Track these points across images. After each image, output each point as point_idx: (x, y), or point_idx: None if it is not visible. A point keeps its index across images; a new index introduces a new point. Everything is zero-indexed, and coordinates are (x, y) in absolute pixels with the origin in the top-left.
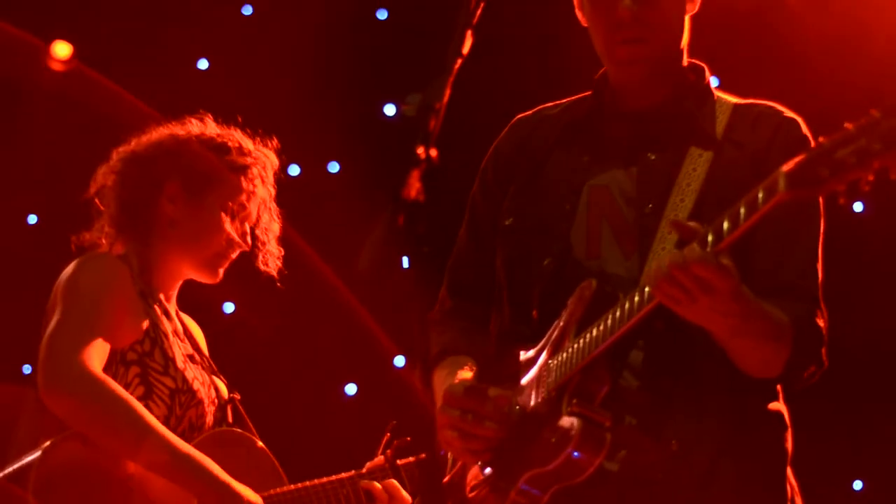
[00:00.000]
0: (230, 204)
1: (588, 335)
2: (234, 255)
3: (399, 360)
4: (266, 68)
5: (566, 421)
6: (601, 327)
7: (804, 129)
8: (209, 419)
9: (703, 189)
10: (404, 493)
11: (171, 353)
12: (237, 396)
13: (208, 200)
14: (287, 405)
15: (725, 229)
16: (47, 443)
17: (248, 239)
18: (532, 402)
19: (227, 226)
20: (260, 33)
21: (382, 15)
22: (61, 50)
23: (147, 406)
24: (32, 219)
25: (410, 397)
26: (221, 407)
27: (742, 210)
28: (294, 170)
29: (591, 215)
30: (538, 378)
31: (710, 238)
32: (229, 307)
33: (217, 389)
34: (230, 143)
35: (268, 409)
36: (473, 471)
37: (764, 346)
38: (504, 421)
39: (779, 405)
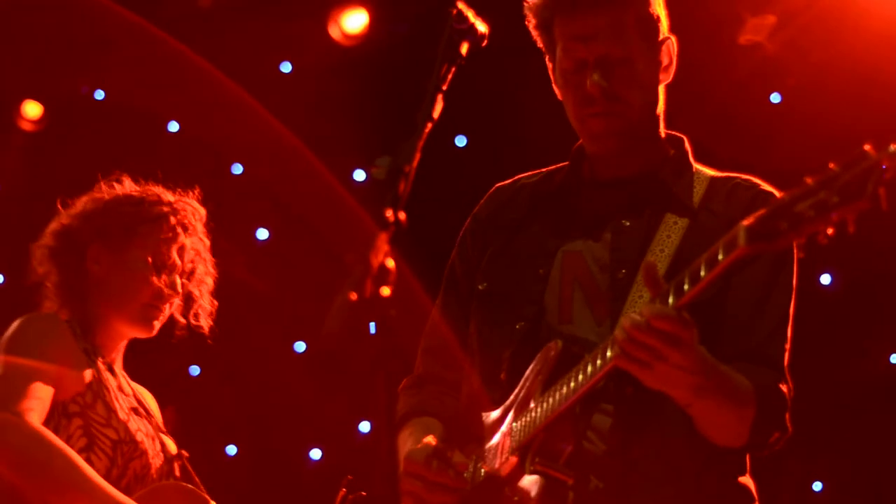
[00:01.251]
0: (150, 256)
1: (553, 394)
2: (165, 307)
3: (364, 426)
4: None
5: (528, 479)
6: (566, 387)
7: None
8: (154, 472)
9: (677, 255)
10: None
11: (112, 405)
12: (185, 454)
13: (130, 254)
14: (251, 469)
15: (686, 287)
16: None
17: (178, 288)
18: (496, 463)
19: (152, 278)
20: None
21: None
22: (31, 110)
23: (89, 458)
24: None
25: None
26: (168, 461)
27: (702, 266)
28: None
29: (563, 280)
30: (503, 438)
31: (670, 295)
32: (195, 370)
33: (164, 445)
34: (147, 197)
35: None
36: None
37: (728, 409)
38: (464, 487)
39: (747, 479)
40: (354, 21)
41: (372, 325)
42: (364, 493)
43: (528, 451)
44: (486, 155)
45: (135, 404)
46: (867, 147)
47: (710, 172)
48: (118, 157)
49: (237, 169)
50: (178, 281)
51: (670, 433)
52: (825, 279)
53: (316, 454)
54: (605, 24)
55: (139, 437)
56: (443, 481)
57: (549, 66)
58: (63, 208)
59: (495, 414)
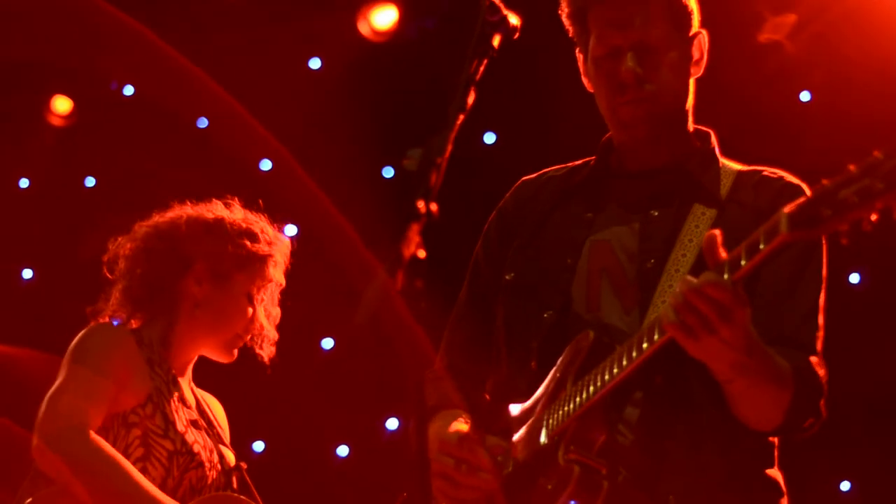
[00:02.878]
0: (253, 289)
1: (585, 385)
2: (248, 337)
3: (392, 423)
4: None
5: (563, 468)
6: (599, 377)
7: (808, 193)
8: (210, 483)
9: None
10: None
11: (171, 416)
12: (244, 465)
13: (234, 285)
14: (278, 466)
15: (742, 262)
16: (28, 500)
17: (268, 323)
18: (528, 452)
19: (251, 310)
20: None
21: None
22: (61, 105)
23: (145, 467)
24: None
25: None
26: (226, 473)
27: (743, 256)
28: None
29: (591, 270)
30: (533, 429)
31: (725, 271)
32: None
33: (223, 456)
34: (256, 230)
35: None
36: None
37: (765, 390)
38: (497, 471)
39: (775, 472)
40: (384, 17)
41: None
42: None
43: (561, 440)
44: (515, 152)
45: (195, 416)
46: None
47: (736, 166)
48: (147, 152)
49: (266, 165)
50: (264, 315)
51: (698, 425)
52: (854, 278)
53: (343, 451)
54: (640, 11)
55: (196, 448)
56: (476, 461)
57: (580, 57)
58: (157, 212)
59: (525, 404)
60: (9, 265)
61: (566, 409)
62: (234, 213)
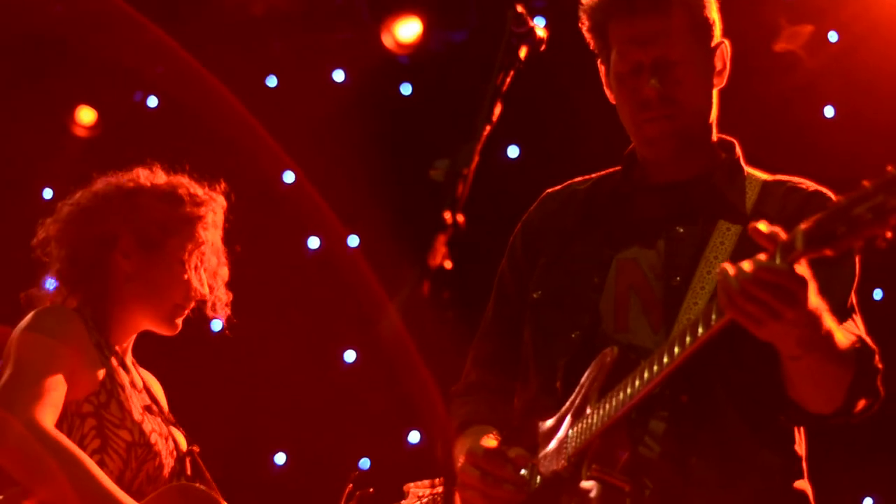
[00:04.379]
0: (184, 255)
1: (609, 400)
2: (192, 305)
3: (413, 436)
4: (288, 139)
5: (586, 485)
6: (622, 392)
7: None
8: (166, 473)
9: (731, 261)
10: None
11: (127, 405)
12: (196, 449)
13: (164, 253)
14: (299, 478)
15: (798, 245)
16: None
17: (206, 287)
18: (553, 469)
19: (186, 277)
20: (280, 105)
21: (407, 90)
22: (86, 115)
23: (102, 459)
24: None
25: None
26: (180, 459)
27: (798, 237)
28: (314, 242)
29: (619, 288)
30: (559, 444)
31: (777, 256)
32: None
33: (175, 441)
34: (182, 193)
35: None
36: None
37: (831, 366)
38: (523, 485)
39: (804, 484)
40: (408, 30)
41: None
42: (372, 490)
43: (585, 457)
44: (539, 164)
45: (148, 401)
46: None
47: (763, 176)
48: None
49: (289, 177)
50: (206, 280)
51: (725, 440)
52: (877, 294)
53: (365, 464)
54: (660, 27)
55: (153, 438)
56: (503, 474)
57: (602, 69)
58: (81, 190)
59: (550, 421)
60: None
61: (590, 425)
62: (157, 178)
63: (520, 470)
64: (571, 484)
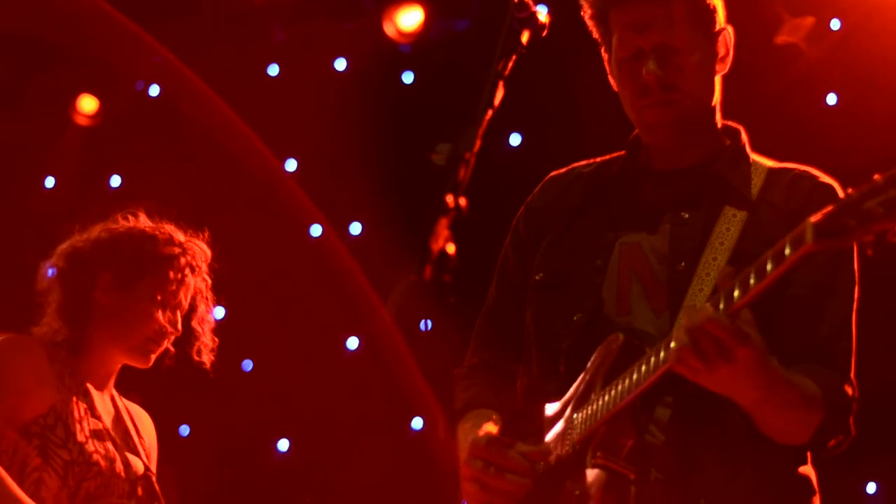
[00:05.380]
0: (159, 294)
1: (614, 388)
2: (164, 342)
3: (417, 422)
4: (289, 129)
5: (590, 473)
6: (628, 380)
7: (840, 193)
8: (116, 492)
9: (737, 248)
10: None
11: (73, 427)
12: (152, 473)
13: (138, 290)
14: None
15: (752, 283)
16: None
17: (179, 326)
18: (556, 456)
19: (158, 315)
20: (282, 93)
21: (408, 78)
22: (87, 104)
23: (41, 477)
24: None
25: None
26: (131, 481)
27: (769, 261)
28: (316, 230)
29: (621, 272)
30: (563, 432)
31: (736, 290)
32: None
33: (129, 465)
34: (160, 235)
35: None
36: None
37: (790, 415)
38: (526, 475)
39: (807, 469)
40: (410, 18)
41: (426, 323)
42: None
43: (589, 444)
44: (542, 150)
45: (101, 427)
46: None
47: (768, 163)
48: (172, 153)
49: (291, 166)
50: (180, 320)
51: (730, 425)
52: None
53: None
54: (660, 13)
55: (95, 458)
56: (507, 465)
57: (605, 56)
58: (78, 232)
59: (554, 407)
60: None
61: (595, 412)
62: (140, 222)
63: (523, 461)
64: (576, 471)
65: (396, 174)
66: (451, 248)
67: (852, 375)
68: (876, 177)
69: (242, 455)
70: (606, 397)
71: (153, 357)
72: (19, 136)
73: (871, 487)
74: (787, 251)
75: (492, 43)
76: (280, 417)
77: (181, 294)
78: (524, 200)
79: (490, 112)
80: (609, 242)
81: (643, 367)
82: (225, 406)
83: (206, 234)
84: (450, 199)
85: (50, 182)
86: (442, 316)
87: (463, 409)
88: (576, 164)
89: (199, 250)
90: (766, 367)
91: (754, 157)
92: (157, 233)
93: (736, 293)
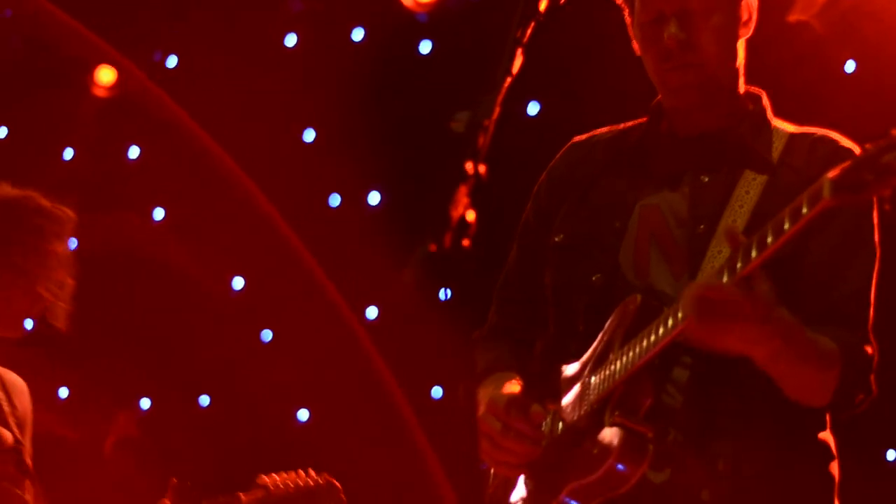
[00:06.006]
0: (25, 263)
1: (633, 348)
2: (33, 311)
3: (436, 391)
4: (306, 98)
5: (608, 432)
6: (646, 340)
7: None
8: None
9: (756, 211)
10: None
11: None
12: (22, 446)
13: (5, 260)
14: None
15: (769, 241)
16: None
17: (47, 294)
18: (574, 416)
19: (24, 283)
20: (299, 64)
21: (426, 48)
22: (105, 75)
23: None
24: None
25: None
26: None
27: (786, 219)
28: (335, 199)
29: (640, 234)
30: (581, 392)
31: (753, 249)
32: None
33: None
34: (20, 204)
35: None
36: (514, 483)
37: (809, 372)
38: (540, 439)
39: (826, 435)
40: None
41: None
42: (189, 483)
43: (608, 404)
44: (559, 121)
45: None
46: None
47: (790, 128)
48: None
49: (309, 136)
50: (48, 288)
51: (750, 388)
52: None
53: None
54: None
55: None
56: (518, 426)
57: (628, 20)
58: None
59: (573, 368)
60: None
61: (613, 372)
62: (3, 192)
63: (538, 424)
64: (594, 431)
65: (415, 143)
66: (470, 216)
67: (871, 336)
68: (893, 131)
69: (262, 425)
70: (624, 358)
71: (23, 325)
72: (38, 108)
73: (890, 454)
74: (805, 208)
75: (509, 11)
76: (300, 387)
77: (48, 261)
78: (541, 168)
79: (508, 80)
80: (629, 205)
81: (661, 328)
82: (245, 376)
83: (72, 199)
84: (469, 166)
85: (69, 154)
86: (462, 284)
87: (484, 371)
88: (598, 131)
89: (65, 216)
90: (778, 319)
91: (776, 122)
92: (20, 201)
93: (753, 252)
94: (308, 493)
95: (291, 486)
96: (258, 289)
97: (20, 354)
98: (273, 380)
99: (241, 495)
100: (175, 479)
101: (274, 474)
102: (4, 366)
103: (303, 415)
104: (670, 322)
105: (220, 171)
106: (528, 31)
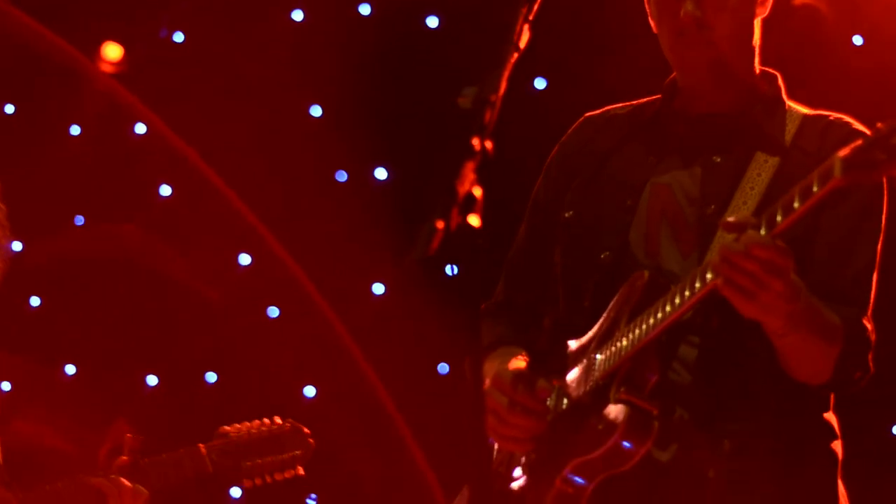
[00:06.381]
0: None
1: (639, 324)
2: None
3: (443, 367)
4: (313, 74)
5: (613, 409)
6: (653, 317)
7: None
8: None
9: (767, 193)
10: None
11: None
12: None
13: None
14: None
15: (778, 219)
16: None
17: None
18: (580, 392)
19: None
20: (306, 39)
21: (433, 22)
22: (112, 52)
23: None
24: None
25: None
26: None
27: (796, 198)
28: (342, 176)
29: (651, 212)
30: (587, 368)
31: (762, 227)
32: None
33: None
34: None
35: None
36: (518, 458)
37: (816, 343)
38: (545, 414)
39: (830, 416)
40: None
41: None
42: (142, 437)
43: (614, 380)
44: (566, 98)
45: None
46: None
47: (803, 110)
48: (196, 101)
49: (316, 111)
50: None
51: (756, 367)
52: None
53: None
54: None
55: None
56: (523, 401)
57: None
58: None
59: (579, 343)
60: (62, 211)
61: (619, 348)
62: None
63: (543, 399)
64: (599, 407)
65: (422, 118)
66: (477, 192)
67: (870, 314)
68: None
69: (269, 402)
70: (631, 335)
71: None
72: (44, 85)
73: None
74: (816, 187)
75: None
76: (306, 364)
77: None
78: (548, 144)
79: (516, 55)
80: (640, 183)
81: (668, 303)
82: (251, 353)
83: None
84: (476, 142)
85: (76, 130)
86: (469, 260)
87: (490, 346)
88: (611, 107)
89: None
90: (797, 281)
91: (790, 103)
92: None
93: (763, 231)
94: (273, 439)
95: (255, 432)
96: (264, 265)
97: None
98: (279, 356)
99: (202, 446)
100: (130, 434)
101: (237, 424)
102: None
103: (309, 391)
104: (678, 299)
105: (225, 148)
106: (536, 6)
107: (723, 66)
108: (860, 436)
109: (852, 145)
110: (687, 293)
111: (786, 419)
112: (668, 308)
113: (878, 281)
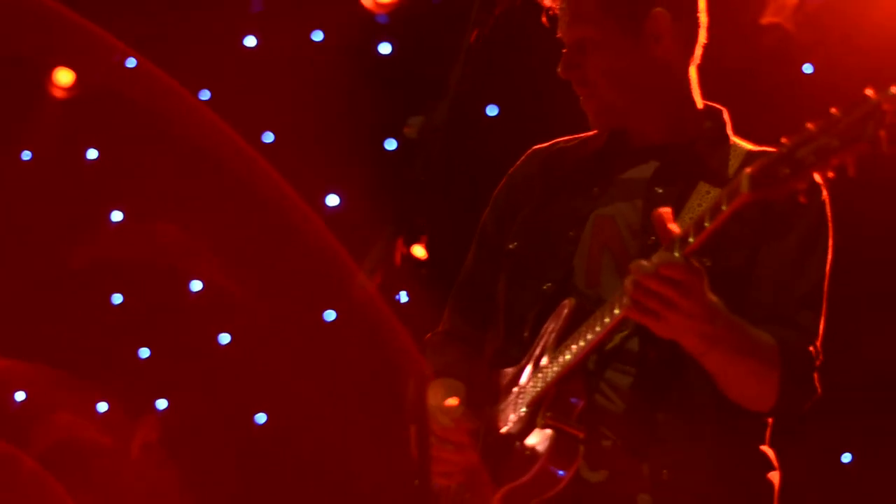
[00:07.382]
0: None
1: (564, 351)
2: None
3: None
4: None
5: (539, 434)
6: (577, 343)
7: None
8: None
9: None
10: None
11: None
12: None
13: None
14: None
15: (690, 240)
16: None
17: None
18: (509, 420)
19: None
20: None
21: (385, 49)
22: (64, 77)
23: None
24: None
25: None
26: None
27: (707, 216)
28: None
29: (593, 244)
30: (517, 396)
31: (675, 248)
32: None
33: None
34: None
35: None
36: (455, 491)
37: (745, 363)
38: (471, 446)
39: (766, 448)
40: None
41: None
42: None
43: (540, 406)
44: (518, 125)
45: None
46: (868, 91)
47: (748, 146)
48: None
49: (268, 138)
50: None
51: (694, 396)
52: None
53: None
54: (568, 7)
55: None
56: (447, 437)
57: None
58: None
59: (511, 371)
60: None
61: (545, 374)
62: None
63: (467, 432)
64: (526, 433)
65: (374, 146)
66: (421, 220)
67: (818, 342)
68: (809, 125)
69: (220, 429)
70: (556, 361)
71: None
72: None
73: (846, 457)
74: (724, 205)
75: (468, 14)
76: (258, 391)
77: None
78: (499, 171)
79: (463, 84)
80: (584, 215)
81: (592, 329)
82: (202, 380)
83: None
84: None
85: (27, 155)
86: (417, 288)
87: (431, 375)
88: (559, 140)
89: None
90: (714, 302)
91: (735, 139)
92: None
93: (676, 251)
94: None
95: None
96: (215, 292)
97: None
98: (231, 383)
99: None
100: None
101: None
102: None
103: (261, 418)
104: (599, 324)
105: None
106: (474, 37)
107: (615, 114)
108: (811, 465)
109: (758, 161)
110: (607, 319)
111: (724, 447)
112: (589, 336)
113: (827, 308)
